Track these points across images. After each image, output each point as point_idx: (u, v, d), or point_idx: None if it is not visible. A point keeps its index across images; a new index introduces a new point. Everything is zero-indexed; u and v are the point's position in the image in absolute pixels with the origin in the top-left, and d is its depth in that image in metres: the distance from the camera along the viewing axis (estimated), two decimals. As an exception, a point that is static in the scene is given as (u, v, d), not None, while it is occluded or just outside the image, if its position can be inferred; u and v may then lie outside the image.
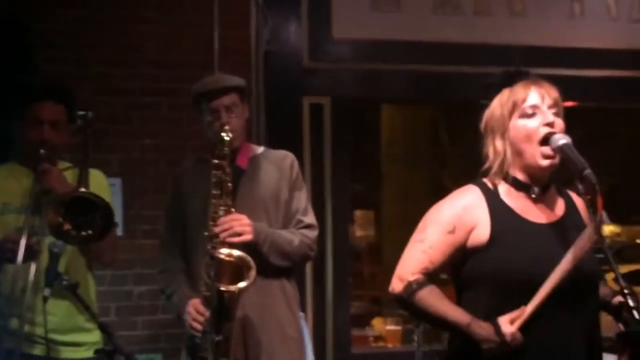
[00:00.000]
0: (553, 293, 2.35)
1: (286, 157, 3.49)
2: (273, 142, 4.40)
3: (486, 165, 2.58)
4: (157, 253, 3.58)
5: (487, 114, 2.59)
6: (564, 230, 2.50)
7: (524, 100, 2.52)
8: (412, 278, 2.52)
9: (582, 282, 2.42)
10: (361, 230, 7.31)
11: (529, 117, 2.51)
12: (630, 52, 5.56)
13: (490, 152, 2.56)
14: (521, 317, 2.36)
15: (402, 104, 6.77)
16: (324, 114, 5.24)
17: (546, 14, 5.49)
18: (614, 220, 5.96)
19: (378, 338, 5.91)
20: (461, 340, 2.46)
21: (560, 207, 2.58)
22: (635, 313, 2.27)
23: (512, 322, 2.36)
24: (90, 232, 3.09)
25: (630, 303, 2.29)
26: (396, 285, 2.55)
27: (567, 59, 5.43)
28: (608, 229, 3.98)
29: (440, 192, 2.77)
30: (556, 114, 2.52)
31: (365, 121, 6.81)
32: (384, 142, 7.40)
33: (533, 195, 2.53)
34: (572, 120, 2.54)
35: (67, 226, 3.05)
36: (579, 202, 2.61)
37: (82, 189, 3.10)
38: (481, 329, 2.39)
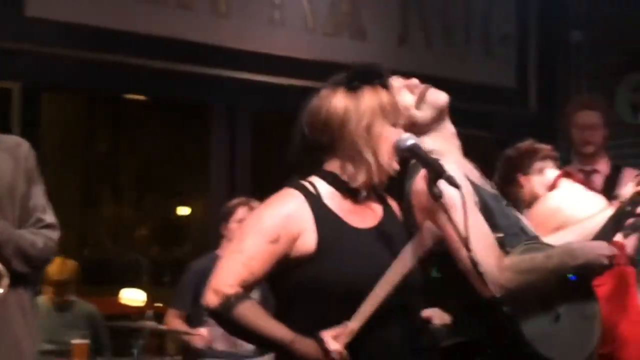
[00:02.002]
0: (379, 307, 2.26)
1: (20, 144, 3.09)
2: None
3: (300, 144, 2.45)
4: None
5: (332, 108, 2.39)
6: (385, 234, 2.41)
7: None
8: (230, 291, 2.28)
9: (408, 292, 2.34)
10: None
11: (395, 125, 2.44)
12: (323, 64, 5.71)
13: (321, 128, 2.39)
14: (345, 333, 2.23)
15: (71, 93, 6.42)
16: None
17: (248, 17, 5.47)
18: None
19: None
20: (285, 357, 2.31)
21: (379, 209, 2.48)
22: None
23: (336, 338, 2.23)
24: None
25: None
26: (211, 299, 2.29)
27: (264, 65, 5.48)
28: None
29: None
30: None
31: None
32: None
33: (358, 198, 2.41)
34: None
35: None
36: (395, 205, 2.54)
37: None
38: (305, 346, 2.23)
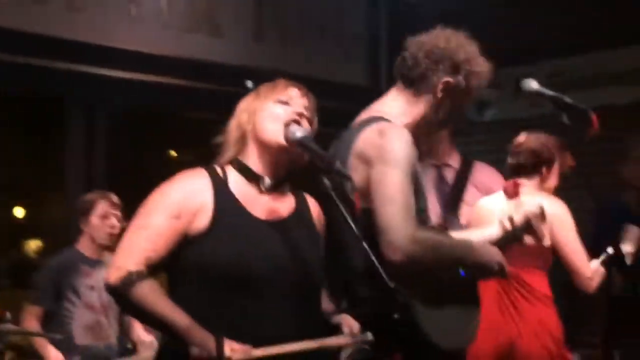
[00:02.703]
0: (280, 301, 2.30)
1: None
2: None
3: (222, 142, 2.49)
4: None
5: (242, 102, 2.52)
6: (286, 230, 2.41)
7: (284, 90, 2.48)
8: (132, 268, 2.26)
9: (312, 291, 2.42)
10: None
11: (283, 104, 2.46)
12: (179, 60, 5.73)
13: (233, 125, 2.48)
14: (244, 353, 2.20)
15: None
16: None
17: (104, 12, 5.42)
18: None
19: None
20: (173, 341, 2.28)
21: (289, 206, 2.49)
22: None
23: (234, 351, 2.19)
24: None
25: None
26: (112, 276, 2.27)
27: (120, 60, 5.43)
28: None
29: None
30: (309, 119, 2.48)
31: None
32: None
33: (262, 187, 2.44)
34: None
35: None
36: (314, 206, 2.56)
37: None
38: (200, 337, 2.21)
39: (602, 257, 3.69)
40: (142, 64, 5.55)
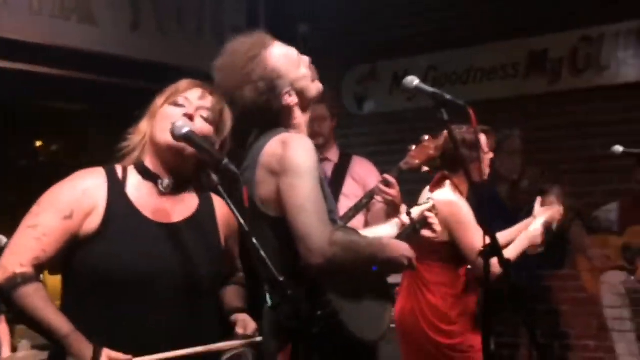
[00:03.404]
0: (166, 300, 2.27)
1: None
2: None
3: (125, 146, 2.44)
4: None
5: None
6: (178, 233, 2.37)
7: (182, 92, 2.45)
8: (18, 270, 2.19)
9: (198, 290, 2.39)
10: None
11: (177, 106, 2.43)
12: (51, 48, 5.54)
13: (134, 131, 2.45)
14: None
15: None
16: None
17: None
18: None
19: None
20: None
21: (191, 208, 2.46)
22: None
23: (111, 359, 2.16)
24: None
25: None
26: None
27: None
28: None
29: None
30: (208, 119, 2.44)
31: None
32: None
33: (161, 188, 2.40)
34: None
35: None
36: (220, 207, 2.51)
37: None
38: (78, 346, 2.16)
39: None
40: (11, 52, 5.32)
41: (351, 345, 2.58)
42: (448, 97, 2.71)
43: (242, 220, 2.20)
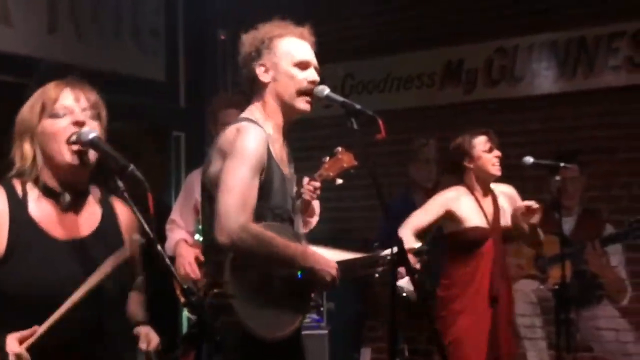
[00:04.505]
0: (72, 310, 2.19)
1: None
2: None
3: (14, 172, 2.32)
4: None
5: (18, 117, 2.34)
6: (90, 246, 2.32)
7: (55, 101, 2.32)
8: None
9: (101, 301, 2.28)
10: None
11: (58, 117, 2.31)
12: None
13: (17, 156, 2.31)
14: (31, 336, 2.15)
15: None
16: None
17: None
18: None
19: None
20: None
21: (94, 218, 2.39)
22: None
23: (22, 341, 2.14)
24: None
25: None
26: None
27: None
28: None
29: None
30: (93, 117, 2.35)
31: None
32: None
33: (63, 204, 2.32)
34: None
35: None
36: (122, 213, 2.46)
37: None
38: None
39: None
40: None
41: (250, 342, 2.68)
42: (358, 106, 2.78)
43: (147, 227, 2.20)
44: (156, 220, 2.26)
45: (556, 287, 4.54)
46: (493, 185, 4.52)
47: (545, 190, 4.87)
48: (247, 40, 2.99)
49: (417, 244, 3.55)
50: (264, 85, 2.93)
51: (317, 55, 3.08)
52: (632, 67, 5.83)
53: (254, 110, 2.97)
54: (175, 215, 4.63)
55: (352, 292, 5.71)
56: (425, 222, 4.38)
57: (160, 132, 6.78)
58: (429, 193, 5.55)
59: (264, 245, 2.69)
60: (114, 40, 6.47)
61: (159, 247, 2.19)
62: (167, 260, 2.19)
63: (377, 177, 2.79)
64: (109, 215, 2.47)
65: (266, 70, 2.93)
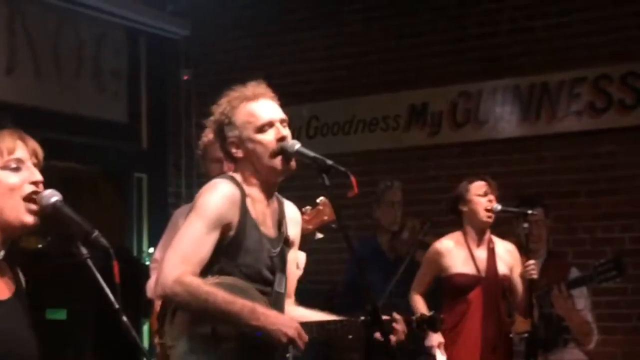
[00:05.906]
0: None
1: None
2: None
3: None
4: None
5: None
6: (15, 309, 2.20)
7: (10, 152, 2.18)
8: None
9: None
10: None
11: (14, 171, 2.16)
12: None
13: None
14: None
15: None
16: None
17: None
18: None
19: None
20: None
21: (12, 281, 2.25)
22: None
23: None
24: None
25: None
26: None
27: None
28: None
29: None
30: (35, 165, 2.20)
31: None
32: None
33: None
34: None
35: None
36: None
37: None
38: None
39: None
40: None
41: None
42: (329, 162, 2.73)
43: (111, 296, 2.10)
44: (121, 287, 2.13)
45: (525, 335, 4.53)
46: (495, 239, 4.59)
47: (510, 234, 4.85)
48: (212, 119, 2.97)
49: (429, 313, 3.42)
50: (239, 160, 2.90)
51: (282, 96, 3.02)
52: (593, 112, 5.88)
53: (236, 172, 2.93)
54: (159, 253, 4.46)
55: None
56: (425, 282, 4.62)
57: (121, 174, 6.69)
58: (395, 235, 5.51)
59: (200, 300, 2.64)
60: (74, 81, 6.39)
61: (124, 318, 2.10)
62: (134, 333, 2.11)
63: (347, 233, 2.77)
64: (17, 275, 2.32)
65: (237, 147, 2.88)
